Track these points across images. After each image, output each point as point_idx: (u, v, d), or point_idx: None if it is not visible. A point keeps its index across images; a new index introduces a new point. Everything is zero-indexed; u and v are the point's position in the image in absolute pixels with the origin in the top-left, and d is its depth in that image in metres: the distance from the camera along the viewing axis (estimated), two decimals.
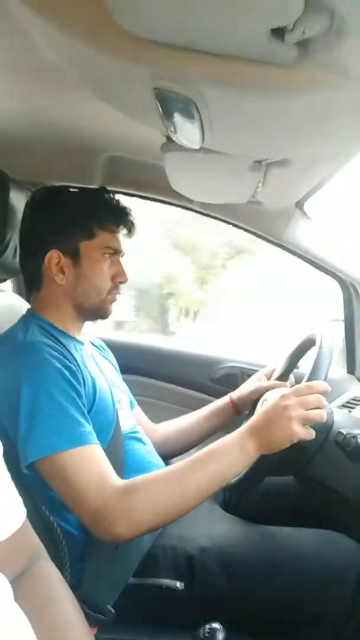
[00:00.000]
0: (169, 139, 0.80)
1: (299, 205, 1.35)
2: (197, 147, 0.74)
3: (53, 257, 1.02)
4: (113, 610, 0.87)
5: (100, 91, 0.76)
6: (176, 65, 0.55)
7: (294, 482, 1.14)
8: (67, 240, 1.03)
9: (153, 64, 0.56)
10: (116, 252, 1.07)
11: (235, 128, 0.68)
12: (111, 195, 1.08)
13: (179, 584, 0.95)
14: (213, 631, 0.79)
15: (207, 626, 0.80)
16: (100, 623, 0.86)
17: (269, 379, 1.27)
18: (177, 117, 0.65)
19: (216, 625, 0.80)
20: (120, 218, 1.07)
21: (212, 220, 1.48)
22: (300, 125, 0.64)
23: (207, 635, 0.79)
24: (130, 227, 1.09)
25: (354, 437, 0.95)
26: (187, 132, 0.69)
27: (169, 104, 0.63)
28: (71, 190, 1.11)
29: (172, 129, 0.69)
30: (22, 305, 1.15)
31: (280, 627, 0.95)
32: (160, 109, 0.65)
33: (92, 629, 0.85)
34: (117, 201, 1.08)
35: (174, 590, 0.94)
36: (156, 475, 0.89)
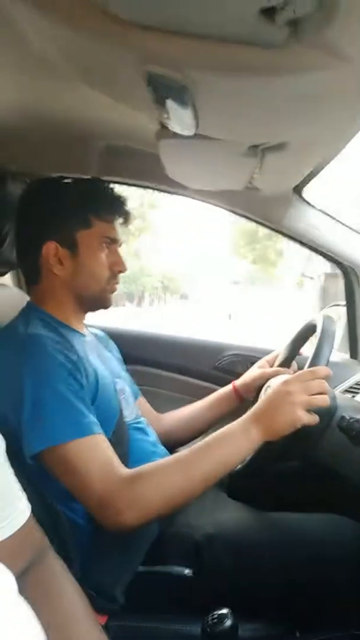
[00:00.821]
0: (163, 126, 0.79)
1: (297, 190, 1.34)
2: (192, 133, 0.73)
3: (50, 248, 1.02)
4: (122, 599, 0.88)
5: (91, 79, 0.75)
6: (166, 49, 0.54)
7: (299, 467, 1.15)
8: (63, 231, 1.02)
9: (142, 49, 0.55)
10: (113, 241, 1.07)
11: (228, 112, 0.67)
12: (106, 184, 1.08)
13: (187, 571, 0.96)
14: (221, 617, 0.80)
15: (216, 612, 0.81)
16: (110, 611, 0.87)
17: (271, 365, 1.27)
18: (170, 103, 0.64)
19: (224, 610, 0.81)
20: (116, 207, 1.07)
21: None
22: (294, 108, 0.64)
23: (215, 620, 0.80)
24: (126, 216, 1.08)
25: (358, 421, 0.95)
26: (180, 118, 0.68)
27: (161, 90, 0.62)
28: (65, 180, 1.10)
29: (166, 115, 0.68)
30: (23, 299, 1.14)
31: (287, 611, 0.96)
32: (152, 95, 0.64)
33: (102, 617, 0.86)
34: (113, 190, 1.07)
35: (182, 577, 0.95)
36: (162, 463, 0.90)
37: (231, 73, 0.55)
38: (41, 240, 1.02)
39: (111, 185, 1.09)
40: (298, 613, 0.96)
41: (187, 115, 0.66)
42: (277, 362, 1.26)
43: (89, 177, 1.12)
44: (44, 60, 0.76)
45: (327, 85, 0.57)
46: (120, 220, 1.08)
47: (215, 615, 0.81)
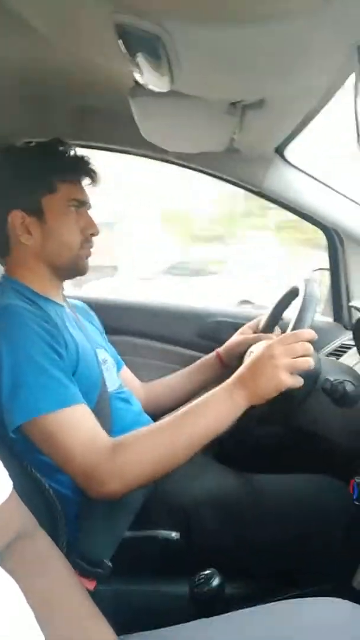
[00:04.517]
0: (137, 83, 0.75)
1: (279, 151, 1.30)
2: (166, 89, 0.70)
3: (16, 217, 0.99)
4: (110, 564, 0.89)
5: (60, 32, 0.70)
6: None
7: (284, 430, 1.16)
8: (28, 198, 0.99)
9: None
10: (82, 203, 1.03)
11: (204, 65, 0.63)
12: (67, 144, 1.03)
13: (174, 534, 0.97)
14: (208, 577, 0.82)
15: (203, 572, 0.83)
16: (98, 576, 0.88)
17: (254, 332, 1.26)
18: (143, 57, 0.61)
19: (211, 571, 0.82)
20: (80, 167, 1.03)
21: None
22: (273, 59, 0.61)
23: (202, 581, 0.81)
24: (92, 176, 1.05)
25: (341, 383, 0.95)
26: (153, 72, 0.64)
27: (133, 42, 0.58)
28: (25, 145, 1.06)
29: (138, 70, 0.65)
30: None
31: (274, 570, 0.99)
32: (123, 48, 0.61)
33: (91, 582, 0.87)
34: (75, 150, 1.03)
35: (170, 540, 0.96)
36: (145, 431, 0.89)
37: (205, 21, 0.52)
38: (6, 210, 0.99)
39: (73, 145, 1.04)
40: (284, 571, 0.98)
41: (160, 69, 0.63)
42: (260, 328, 1.26)
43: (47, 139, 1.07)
44: (12, 13, 0.71)
45: (308, 31, 0.54)
46: (87, 180, 1.05)
47: (202, 576, 0.82)
